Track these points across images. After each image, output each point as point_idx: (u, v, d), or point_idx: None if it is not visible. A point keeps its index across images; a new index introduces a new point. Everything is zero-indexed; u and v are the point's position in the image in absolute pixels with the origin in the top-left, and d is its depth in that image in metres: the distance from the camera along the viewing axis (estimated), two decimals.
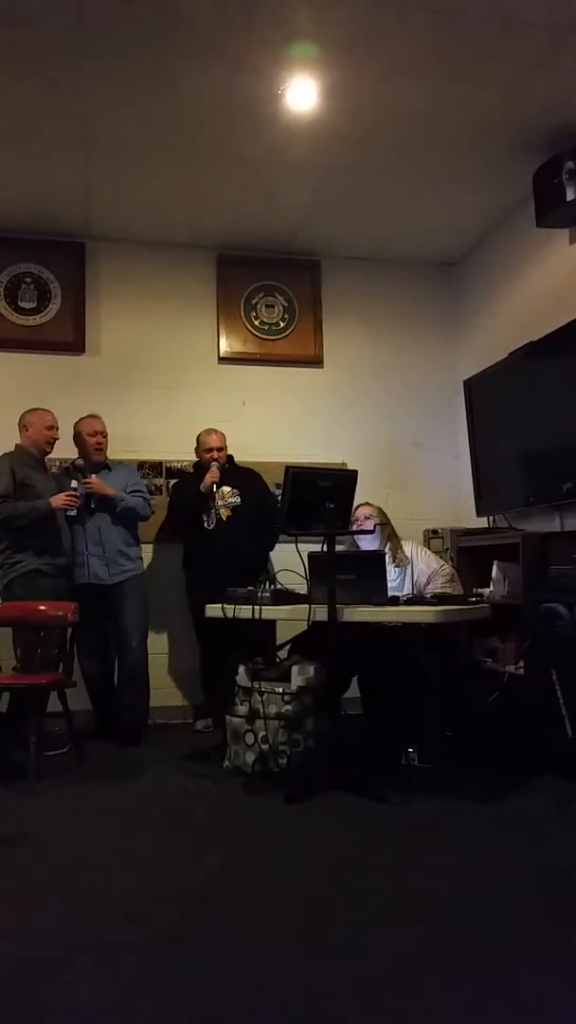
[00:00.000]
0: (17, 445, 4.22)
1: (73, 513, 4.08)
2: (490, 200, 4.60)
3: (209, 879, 2.41)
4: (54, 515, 4.05)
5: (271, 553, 4.62)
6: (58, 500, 4.02)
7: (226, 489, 4.51)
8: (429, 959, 1.89)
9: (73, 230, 4.89)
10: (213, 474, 4.46)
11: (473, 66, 3.42)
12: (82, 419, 4.43)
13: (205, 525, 4.47)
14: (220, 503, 4.48)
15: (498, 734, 3.62)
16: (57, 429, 4.27)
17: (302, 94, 3.59)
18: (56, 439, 4.28)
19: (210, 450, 4.56)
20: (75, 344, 4.95)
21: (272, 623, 3.93)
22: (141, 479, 4.63)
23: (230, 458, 4.65)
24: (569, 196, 3.87)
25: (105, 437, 4.42)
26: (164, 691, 4.71)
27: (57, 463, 4.57)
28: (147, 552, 4.67)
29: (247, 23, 3.14)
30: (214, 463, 4.50)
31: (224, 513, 4.48)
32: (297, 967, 1.87)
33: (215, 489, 4.45)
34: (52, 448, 4.29)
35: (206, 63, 3.37)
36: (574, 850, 2.59)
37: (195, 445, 4.69)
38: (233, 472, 4.61)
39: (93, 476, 4.26)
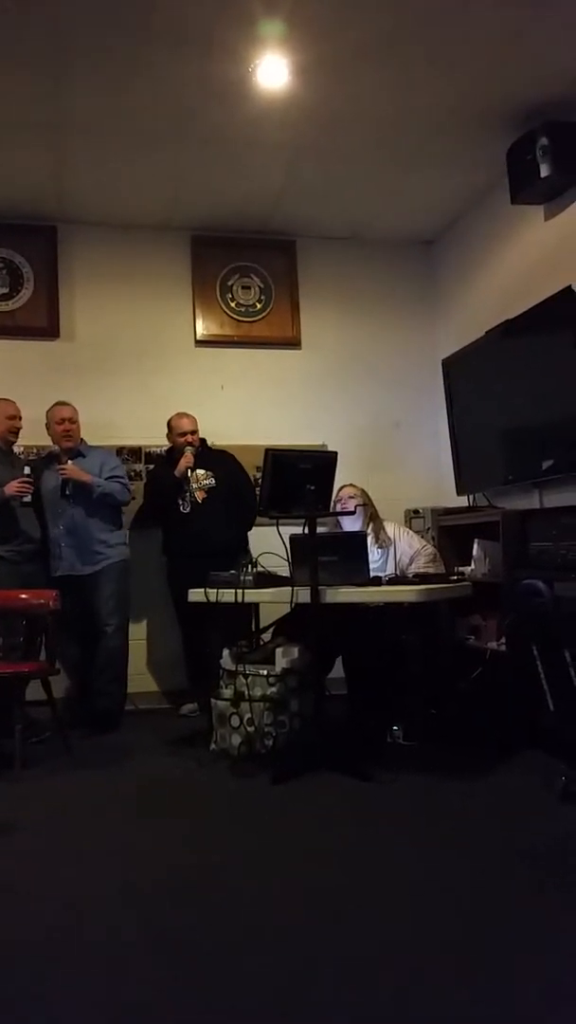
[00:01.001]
0: None
1: (28, 499, 4.03)
2: (465, 178, 4.58)
3: (197, 863, 2.42)
4: (8, 503, 4.00)
5: (250, 535, 4.62)
6: (10, 488, 3.97)
7: (200, 472, 4.50)
8: (421, 940, 1.92)
9: (45, 214, 4.82)
10: (187, 459, 4.45)
11: (445, 44, 3.40)
12: (51, 407, 4.37)
13: (181, 509, 4.46)
14: (195, 486, 4.47)
15: (482, 711, 3.66)
16: (20, 419, 4.24)
17: (273, 72, 3.54)
18: (19, 428, 4.24)
19: (183, 434, 4.55)
20: (49, 329, 4.89)
21: (252, 605, 3.94)
22: (120, 463, 4.57)
23: (203, 441, 4.63)
24: (543, 173, 3.87)
25: (74, 423, 4.35)
26: (147, 677, 4.71)
27: (35, 450, 4.53)
28: (148, 535, 4.64)
29: (215, 2, 3.09)
30: (188, 447, 4.49)
31: (199, 496, 4.47)
32: (287, 952, 1.89)
33: (189, 473, 4.44)
34: (16, 437, 4.26)
35: (176, 42, 3.32)
36: (559, 825, 2.62)
37: (167, 430, 4.67)
38: (206, 455, 4.60)
39: (68, 463, 4.23)
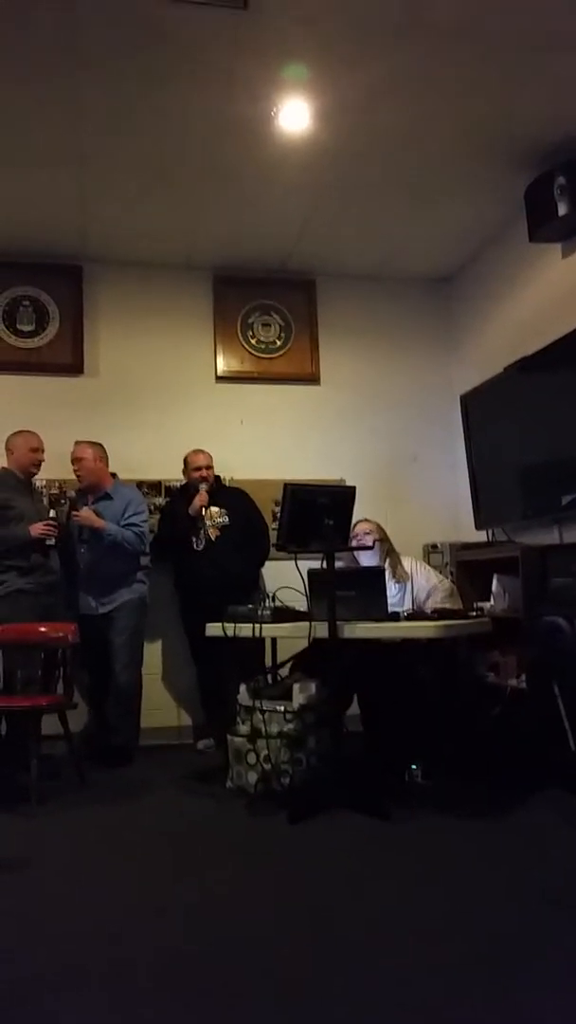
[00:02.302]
0: (2, 468, 4.24)
1: (52, 542, 4.07)
2: (483, 216, 4.64)
3: (212, 900, 2.39)
4: (34, 543, 4.04)
5: (266, 572, 4.62)
6: (36, 529, 4.02)
7: (214, 509, 4.52)
8: (436, 980, 1.87)
9: (70, 253, 4.93)
10: (202, 497, 4.48)
11: (463, 84, 3.46)
12: (75, 445, 4.41)
13: (194, 546, 4.48)
14: (208, 523, 4.49)
15: (501, 749, 3.60)
16: (42, 451, 4.28)
17: (295, 115, 3.63)
18: (41, 461, 4.28)
19: (198, 468, 4.59)
20: (74, 366, 4.98)
21: (263, 640, 3.92)
22: (143, 504, 4.50)
23: (217, 478, 4.67)
24: (561, 211, 3.91)
25: (84, 462, 4.33)
26: (162, 712, 4.69)
27: (57, 484, 4.57)
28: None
29: (239, 45, 3.18)
30: (203, 484, 4.53)
31: (213, 533, 4.49)
32: (301, 988, 1.85)
33: (203, 511, 4.46)
34: (38, 470, 4.31)
35: (199, 85, 3.41)
36: None
37: (182, 466, 4.71)
38: (221, 492, 4.63)
39: (84, 508, 4.26)
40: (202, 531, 4.48)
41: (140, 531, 4.31)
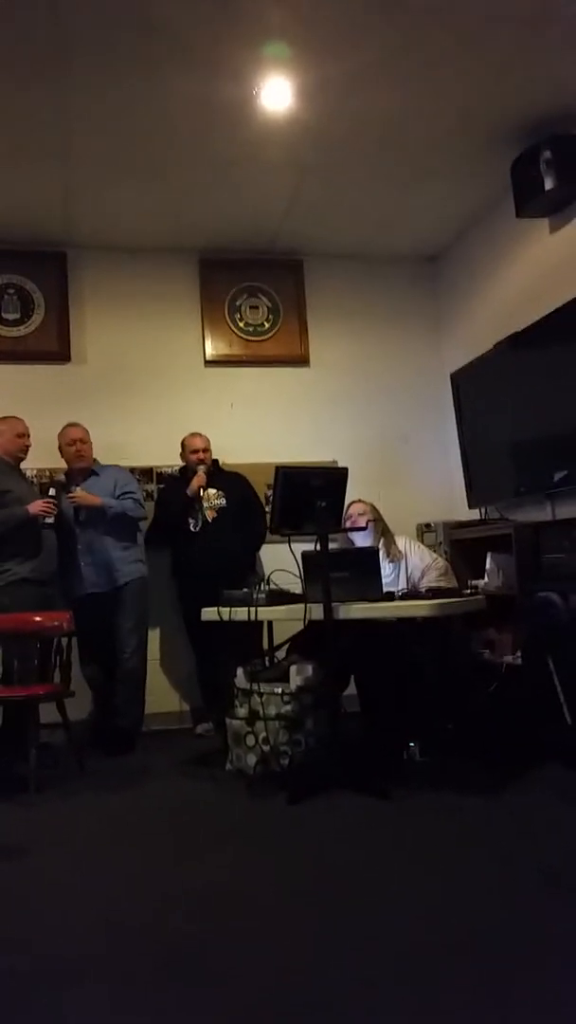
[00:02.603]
0: None
1: (50, 520, 4.05)
2: (469, 193, 4.61)
3: (214, 885, 2.39)
4: (35, 521, 4.02)
5: (261, 555, 4.62)
6: (35, 507, 3.99)
7: (211, 491, 4.52)
8: (442, 961, 1.88)
9: (54, 239, 4.88)
10: (200, 479, 4.48)
11: (447, 62, 3.43)
12: (61, 429, 4.41)
13: (191, 528, 4.47)
14: (206, 505, 4.48)
15: (499, 725, 3.63)
16: (28, 436, 4.26)
17: (277, 94, 3.59)
18: (28, 446, 4.26)
19: (195, 451, 4.59)
20: (61, 353, 4.94)
21: (263, 623, 3.93)
22: (134, 480, 4.57)
23: (215, 461, 4.66)
24: (547, 186, 3.89)
25: (85, 443, 4.40)
26: (161, 697, 4.69)
27: (48, 473, 4.56)
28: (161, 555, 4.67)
29: (220, 25, 3.13)
30: (201, 466, 4.52)
31: (210, 515, 4.48)
32: (304, 973, 1.86)
33: (201, 492, 4.46)
34: (25, 455, 4.28)
35: (180, 66, 3.36)
36: None
37: (180, 449, 4.70)
38: (218, 475, 4.63)
39: (76, 489, 4.25)
40: (199, 513, 4.47)
41: (136, 498, 4.39)
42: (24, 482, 4.23)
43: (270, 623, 4.00)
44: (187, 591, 4.49)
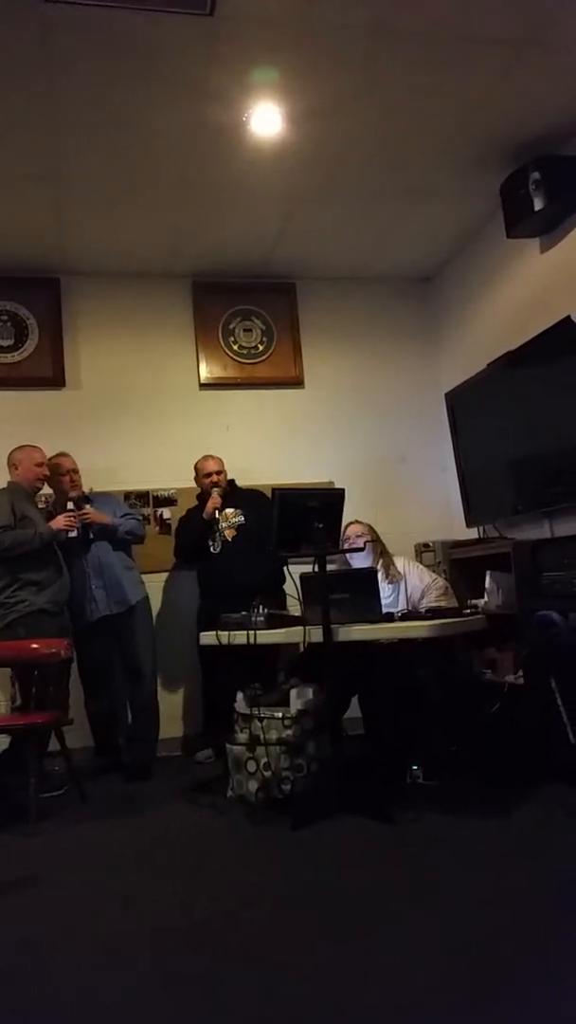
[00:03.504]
0: (9, 482, 4.19)
1: (74, 534, 4.07)
2: (460, 214, 4.65)
3: (216, 914, 2.36)
4: (53, 542, 4.02)
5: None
6: (58, 522, 4.02)
7: (229, 511, 4.51)
8: (448, 986, 1.85)
9: (48, 266, 4.90)
10: (215, 501, 4.47)
11: (434, 84, 3.47)
12: (51, 459, 4.35)
13: (212, 549, 4.47)
14: (224, 525, 4.47)
15: (502, 745, 3.59)
16: (46, 465, 4.25)
17: (267, 120, 3.63)
18: (46, 475, 4.26)
19: (208, 475, 4.58)
20: (55, 379, 4.94)
21: (275, 648, 3.90)
22: (126, 504, 4.64)
23: (231, 481, 4.65)
24: (537, 206, 3.92)
25: (78, 473, 4.40)
26: (164, 723, 4.64)
27: (43, 499, 4.55)
28: (161, 580, 4.72)
29: (207, 52, 3.17)
30: (215, 488, 4.51)
31: (229, 534, 4.47)
32: (310, 1001, 1.83)
33: (217, 513, 4.45)
34: (43, 484, 4.28)
35: (171, 94, 3.40)
36: None
37: (194, 474, 4.69)
38: (236, 494, 4.62)
39: (87, 506, 4.25)
40: (218, 533, 4.47)
41: (137, 518, 4.46)
42: (37, 510, 4.21)
43: (278, 646, 3.96)
44: (207, 611, 4.40)
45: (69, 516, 4.07)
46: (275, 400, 5.24)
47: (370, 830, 2.99)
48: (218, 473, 4.59)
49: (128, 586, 4.28)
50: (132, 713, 4.30)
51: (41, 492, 4.37)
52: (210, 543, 4.48)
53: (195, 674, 4.64)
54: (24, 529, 3.94)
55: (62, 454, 4.42)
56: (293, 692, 3.50)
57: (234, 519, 4.50)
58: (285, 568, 4.37)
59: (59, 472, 4.36)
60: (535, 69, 3.41)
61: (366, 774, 3.63)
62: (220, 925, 2.28)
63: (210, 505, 4.46)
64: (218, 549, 4.46)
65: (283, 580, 4.34)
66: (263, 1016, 1.78)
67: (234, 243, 4.82)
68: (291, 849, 2.90)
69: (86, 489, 4.44)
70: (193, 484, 4.73)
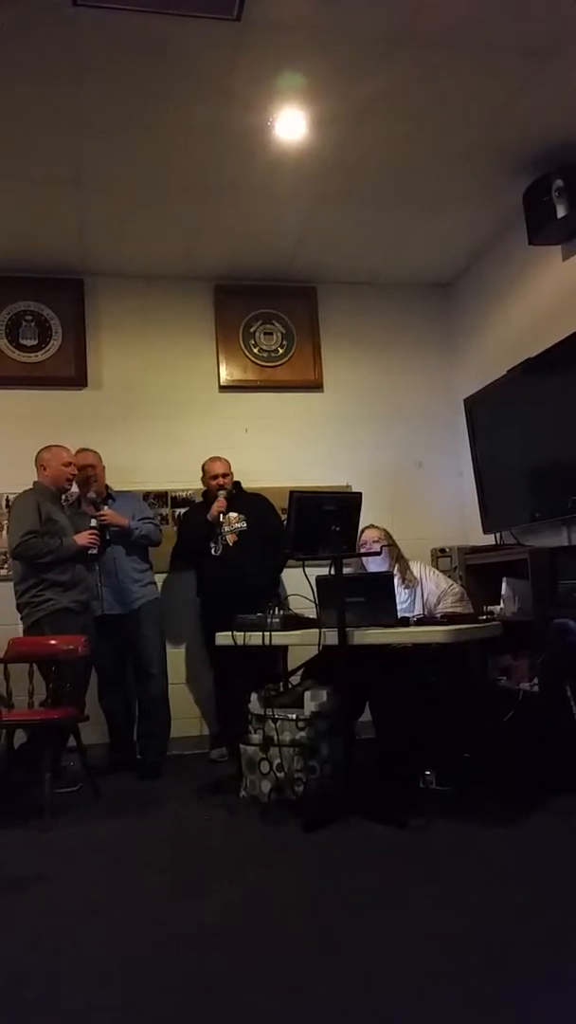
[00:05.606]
0: (36, 482, 4.20)
1: (95, 551, 4.10)
2: (482, 220, 4.65)
3: (228, 913, 2.37)
4: (81, 553, 4.05)
5: (282, 577, 4.61)
6: (82, 539, 4.05)
7: (232, 515, 4.53)
8: (457, 993, 1.86)
9: (71, 267, 4.95)
10: (220, 503, 4.49)
11: (458, 92, 3.48)
12: (75, 453, 4.39)
13: (212, 552, 4.48)
14: (227, 529, 4.49)
15: (516, 753, 3.58)
16: (74, 465, 4.28)
17: (291, 125, 3.64)
18: (74, 475, 4.28)
19: (215, 477, 4.61)
20: (77, 379, 4.99)
21: (280, 648, 3.91)
22: (148, 506, 4.67)
23: (237, 484, 4.67)
24: (560, 213, 3.92)
25: (95, 468, 4.42)
26: (179, 721, 4.67)
27: (64, 497, 4.57)
28: (160, 580, 4.67)
29: (234, 56, 3.19)
30: (221, 491, 4.53)
31: (231, 539, 4.49)
32: (319, 1004, 1.84)
33: (221, 516, 4.47)
34: (71, 485, 4.30)
35: (196, 97, 3.43)
36: None
37: (201, 474, 4.72)
38: (240, 498, 4.64)
39: (105, 508, 4.28)
40: (220, 537, 4.49)
41: (156, 523, 4.49)
42: (63, 512, 4.23)
43: (286, 647, 3.98)
44: (209, 614, 4.49)
45: (93, 533, 4.09)
46: (294, 403, 5.26)
47: (382, 834, 3.00)
48: (224, 476, 4.61)
49: (134, 588, 4.30)
50: (142, 711, 4.33)
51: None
52: (211, 545, 4.50)
53: (205, 674, 4.68)
54: (49, 535, 3.97)
55: (83, 450, 4.45)
56: (307, 694, 3.51)
57: (237, 524, 4.52)
58: (282, 575, 4.54)
59: (85, 465, 4.38)
60: (558, 77, 3.41)
61: (379, 778, 3.63)
62: (230, 925, 2.29)
63: (215, 508, 4.49)
64: (219, 552, 4.49)
65: (276, 586, 4.49)
66: (272, 1018, 1.79)
67: (256, 246, 4.85)
68: (303, 851, 2.91)
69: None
70: None
